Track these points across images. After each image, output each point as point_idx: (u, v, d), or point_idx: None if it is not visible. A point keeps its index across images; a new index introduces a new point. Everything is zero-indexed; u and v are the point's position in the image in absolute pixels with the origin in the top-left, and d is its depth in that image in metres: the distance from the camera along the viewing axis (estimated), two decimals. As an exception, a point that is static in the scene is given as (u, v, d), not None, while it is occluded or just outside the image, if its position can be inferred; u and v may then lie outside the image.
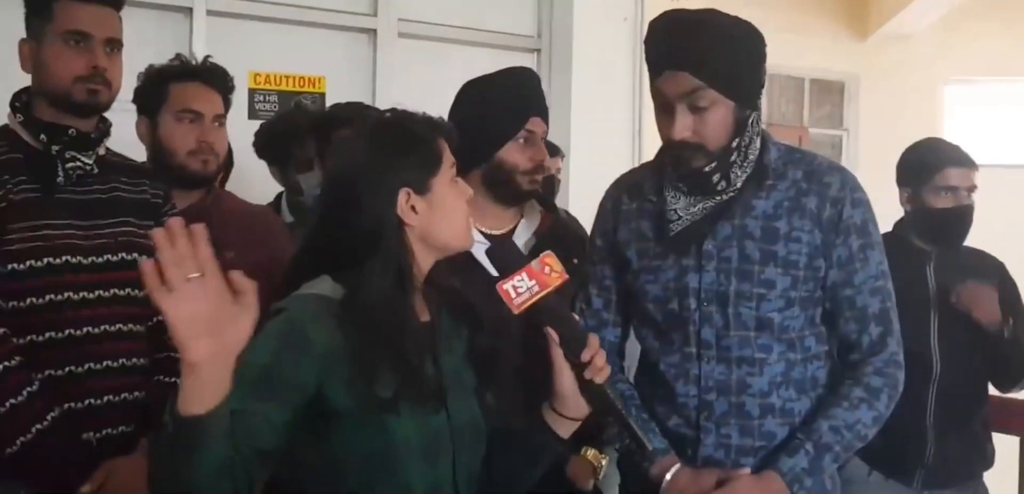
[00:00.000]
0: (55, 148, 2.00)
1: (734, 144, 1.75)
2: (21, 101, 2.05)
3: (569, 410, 1.57)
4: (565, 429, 1.59)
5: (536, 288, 1.54)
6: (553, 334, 1.54)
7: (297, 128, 2.99)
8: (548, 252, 1.59)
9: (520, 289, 1.54)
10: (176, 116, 2.36)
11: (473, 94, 2.22)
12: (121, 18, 2.11)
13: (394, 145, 1.53)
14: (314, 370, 1.42)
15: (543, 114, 2.20)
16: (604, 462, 2.26)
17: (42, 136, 2.00)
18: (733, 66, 1.71)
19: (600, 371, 1.53)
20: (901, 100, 7.81)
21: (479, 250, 2.16)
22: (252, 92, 3.96)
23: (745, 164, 1.78)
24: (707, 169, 1.76)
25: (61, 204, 2.00)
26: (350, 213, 1.50)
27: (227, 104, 2.48)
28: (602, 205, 2.04)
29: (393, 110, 1.60)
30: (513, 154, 2.15)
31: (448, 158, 1.57)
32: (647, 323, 1.90)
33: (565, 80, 4.41)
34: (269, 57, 3.98)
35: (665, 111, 1.76)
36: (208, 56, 2.48)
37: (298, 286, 1.51)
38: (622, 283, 1.94)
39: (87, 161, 2.05)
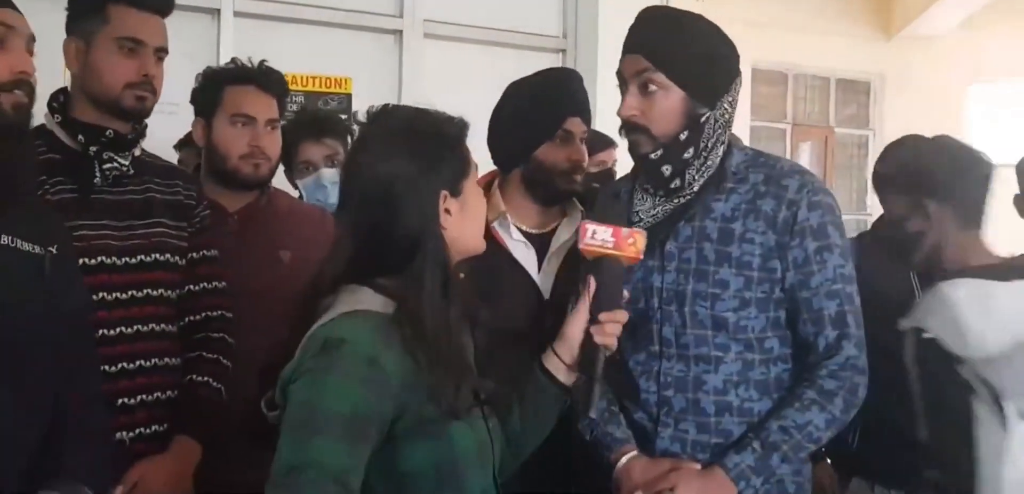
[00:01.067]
0: (93, 149, 2.02)
1: (683, 137, 1.79)
2: (59, 102, 2.07)
3: (564, 353, 1.62)
4: (563, 375, 1.63)
5: (610, 245, 1.61)
6: (592, 284, 1.62)
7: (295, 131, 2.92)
8: (642, 231, 1.66)
9: (597, 236, 1.62)
10: (230, 120, 2.39)
11: (513, 95, 2.25)
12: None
13: (431, 147, 1.48)
14: (394, 401, 1.39)
15: (582, 114, 2.22)
16: None
17: (80, 137, 2.02)
18: (685, 56, 1.78)
19: (608, 337, 1.60)
20: (926, 100, 7.76)
21: (516, 247, 2.18)
22: (280, 92, 3.98)
23: (703, 167, 1.83)
24: (654, 156, 1.81)
25: (97, 205, 2.02)
26: (392, 219, 1.45)
27: (282, 107, 2.50)
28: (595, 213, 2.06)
29: (408, 108, 1.56)
30: (550, 154, 2.17)
31: (472, 160, 1.56)
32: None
33: (590, 81, 4.35)
34: (295, 58, 3.99)
35: (623, 94, 1.84)
36: (264, 60, 2.49)
37: (334, 293, 1.47)
38: None
39: (123, 162, 2.07)
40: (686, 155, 1.81)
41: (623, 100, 1.82)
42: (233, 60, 2.51)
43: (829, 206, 1.82)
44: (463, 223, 1.51)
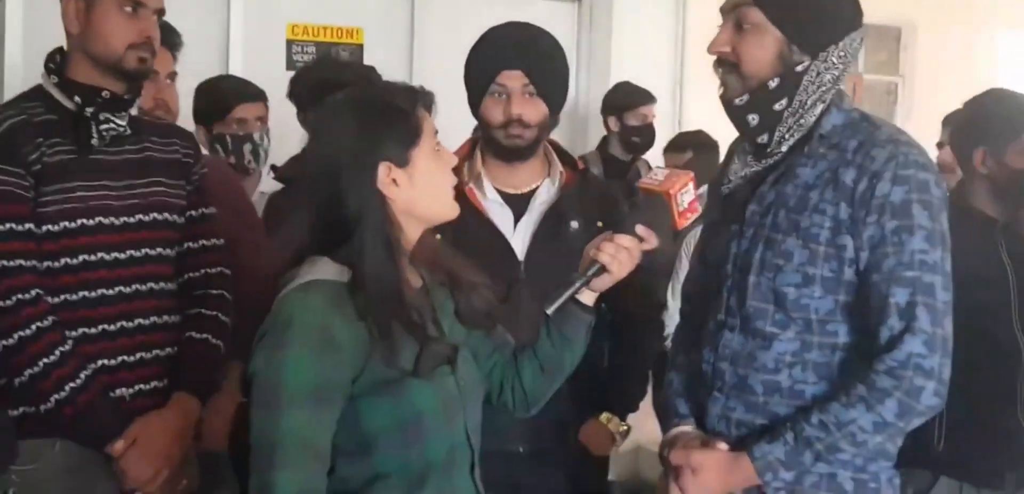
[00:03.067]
0: (90, 110, 2.03)
1: (772, 85, 1.66)
2: (55, 62, 2.08)
3: (582, 268, 1.67)
4: (585, 297, 1.67)
5: (656, 182, 1.66)
6: (637, 215, 1.66)
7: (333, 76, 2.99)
8: (691, 174, 1.67)
9: (655, 175, 1.69)
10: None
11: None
12: None
13: (373, 119, 1.53)
14: (350, 366, 1.47)
15: (522, 66, 2.13)
16: (623, 430, 2.26)
17: (76, 98, 2.03)
18: None
19: (602, 253, 1.62)
20: (958, 47, 7.58)
21: (491, 207, 2.17)
22: (290, 43, 4.00)
23: (796, 127, 1.69)
24: (739, 102, 1.69)
25: (95, 165, 2.04)
26: (333, 191, 1.51)
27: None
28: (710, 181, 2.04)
29: (371, 82, 1.60)
30: (488, 109, 2.15)
31: (429, 128, 1.57)
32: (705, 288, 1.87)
33: (605, 33, 4.38)
34: (307, 8, 3.99)
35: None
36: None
37: (299, 265, 1.53)
38: None
39: (120, 123, 2.08)
40: (777, 106, 1.67)
41: (717, 35, 1.71)
42: None
43: (920, 182, 1.61)
44: (415, 191, 1.54)
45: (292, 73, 3.29)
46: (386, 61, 3.53)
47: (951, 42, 7.55)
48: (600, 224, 2.17)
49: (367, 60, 4.08)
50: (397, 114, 1.54)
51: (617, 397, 2.27)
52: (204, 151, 2.89)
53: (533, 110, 2.14)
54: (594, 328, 2.02)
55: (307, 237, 1.56)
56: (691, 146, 3.61)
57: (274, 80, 3.00)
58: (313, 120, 1.67)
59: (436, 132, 1.59)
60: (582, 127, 4.44)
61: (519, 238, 2.18)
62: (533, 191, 2.21)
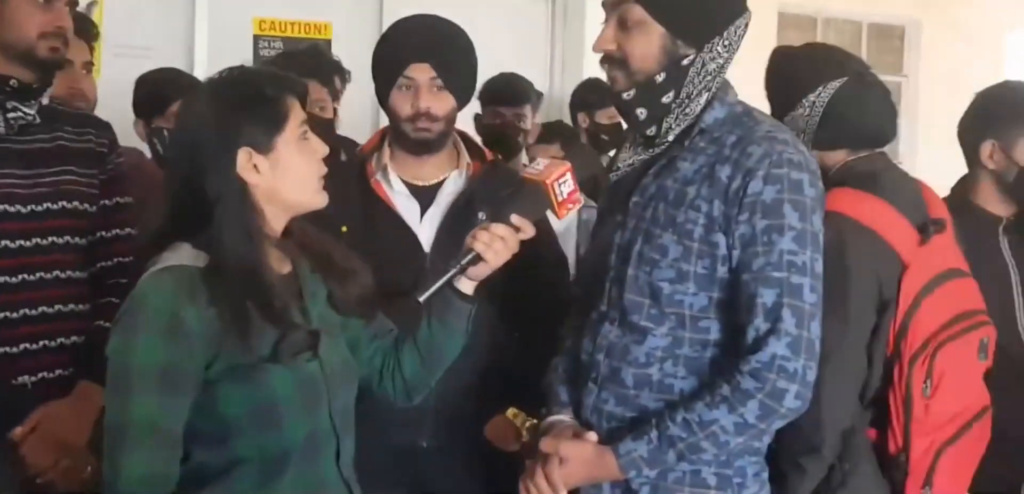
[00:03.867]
0: None
1: (659, 79, 1.67)
2: None
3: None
4: (465, 286, 1.69)
5: (535, 173, 1.68)
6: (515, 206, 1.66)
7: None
8: (568, 165, 1.67)
9: (537, 164, 1.70)
10: None
11: None
12: None
13: (235, 104, 1.52)
14: (202, 351, 1.47)
15: (429, 59, 2.11)
16: (529, 425, 2.23)
17: None
18: None
19: (477, 240, 1.64)
20: (963, 46, 7.46)
21: (397, 199, 2.16)
22: (257, 38, 4.00)
23: (682, 116, 1.70)
24: (627, 96, 1.70)
25: (2, 153, 2.05)
26: (193, 175, 1.51)
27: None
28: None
29: (239, 67, 1.60)
30: (396, 101, 2.13)
31: (296, 115, 1.56)
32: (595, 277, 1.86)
33: (578, 29, 4.34)
34: (274, 3, 4.00)
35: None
36: None
37: (163, 250, 1.53)
38: None
39: (29, 111, 2.09)
40: (665, 99, 1.68)
41: (599, 34, 1.72)
42: None
43: (794, 182, 1.60)
44: (277, 178, 1.53)
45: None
46: (355, 54, 3.51)
47: (956, 41, 7.45)
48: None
49: (336, 53, 4.09)
50: (260, 99, 1.53)
51: (523, 392, 2.23)
52: (142, 145, 2.92)
53: (441, 103, 2.13)
54: (502, 322, 2.00)
55: (167, 220, 1.56)
56: (559, 136, 3.59)
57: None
58: (180, 105, 1.67)
59: (304, 119, 1.58)
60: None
61: (425, 229, 2.17)
62: (441, 183, 2.20)
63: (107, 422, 1.47)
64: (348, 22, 4.13)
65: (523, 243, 2.13)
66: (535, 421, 2.24)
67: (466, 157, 2.23)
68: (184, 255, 1.51)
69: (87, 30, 2.56)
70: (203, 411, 1.49)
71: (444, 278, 1.64)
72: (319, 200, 1.61)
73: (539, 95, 3.48)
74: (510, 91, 3.39)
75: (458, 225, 2.12)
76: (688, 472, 1.67)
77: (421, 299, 1.63)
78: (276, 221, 1.57)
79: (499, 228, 1.63)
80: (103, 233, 2.20)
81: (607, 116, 3.89)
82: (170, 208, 1.56)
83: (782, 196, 1.59)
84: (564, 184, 1.64)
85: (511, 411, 2.22)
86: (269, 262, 1.55)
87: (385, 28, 4.04)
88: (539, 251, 2.20)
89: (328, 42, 4.10)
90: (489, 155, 2.32)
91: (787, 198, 1.59)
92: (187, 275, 1.48)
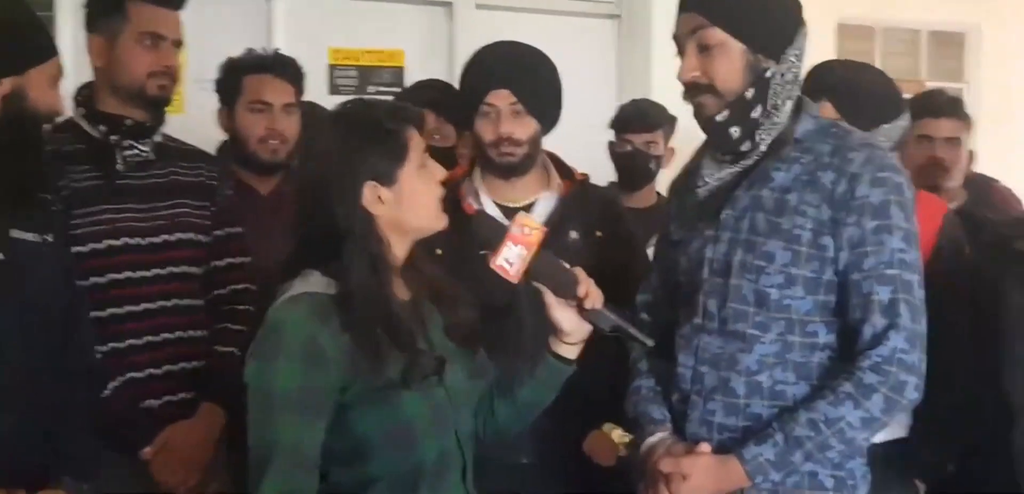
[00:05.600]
0: (114, 138, 2.16)
1: (749, 95, 1.71)
2: (83, 95, 2.22)
3: (573, 338, 1.67)
4: (571, 352, 1.68)
5: (524, 252, 1.60)
6: (545, 290, 1.63)
7: None
8: (520, 214, 1.66)
9: (512, 260, 1.61)
10: (249, 106, 2.59)
11: None
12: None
13: (359, 139, 1.56)
14: (338, 375, 1.51)
15: (508, 85, 2.16)
16: (626, 441, 2.26)
17: (101, 127, 2.17)
18: (740, 7, 1.70)
19: (594, 298, 1.61)
20: (1024, 51, 7.32)
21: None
22: (332, 68, 4.09)
23: (771, 127, 1.74)
24: (720, 118, 1.73)
25: (121, 190, 2.17)
26: (321, 209, 1.55)
27: (299, 92, 2.68)
28: (671, 184, 2.06)
29: (359, 100, 1.65)
30: (480, 128, 2.18)
31: (417, 145, 1.60)
32: (679, 296, 1.89)
33: (644, 49, 4.36)
34: (348, 33, 4.10)
35: (681, 57, 1.76)
36: (277, 48, 2.73)
37: (293, 277, 1.58)
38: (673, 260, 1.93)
39: (144, 149, 2.21)
40: (754, 113, 1.72)
41: (682, 63, 1.76)
42: (250, 50, 2.70)
43: (896, 185, 1.67)
44: (402, 209, 1.58)
45: (335, 98, 3.42)
46: (428, 82, 3.59)
47: (1017, 46, 7.34)
48: (599, 234, 2.21)
49: (408, 80, 4.17)
50: (383, 133, 1.57)
51: (619, 407, 2.26)
52: None
53: (522, 128, 2.17)
54: (598, 337, 2.03)
55: (298, 250, 1.61)
56: None
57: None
58: (305, 136, 1.74)
59: (425, 148, 1.63)
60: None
61: None
62: (532, 204, 2.23)
63: (252, 445, 1.51)
64: (420, 48, 4.21)
65: (614, 256, 2.18)
66: (631, 436, 2.29)
67: (557, 178, 2.28)
68: (315, 282, 1.55)
69: (287, 71, 2.67)
70: (339, 432, 1.53)
71: (625, 325, 1.65)
72: (440, 223, 1.65)
73: (672, 119, 3.41)
74: (639, 117, 3.36)
75: (550, 244, 2.17)
76: (806, 475, 1.69)
77: (650, 343, 1.67)
78: (399, 248, 1.62)
79: (578, 274, 1.63)
80: (216, 263, 2.31)
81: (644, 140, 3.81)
82: (300, 239, 1.61)
83: (889, 198, 1.65)
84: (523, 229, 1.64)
85: (607, 426, 2.26)
86: (394, 290, 1.61)
87: (456, 53, 4.22)
88: (629, 263, 2.26)
89: (400, 69, 4.20)
90: (578, 175, 2.35)
91: (893, 199, 1.66)
92: (320, 302, 1.52)
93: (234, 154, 2.63)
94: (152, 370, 2.15)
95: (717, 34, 1.70)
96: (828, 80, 2.27)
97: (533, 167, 2.24)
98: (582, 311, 1.63)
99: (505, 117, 2.16)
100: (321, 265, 1.58)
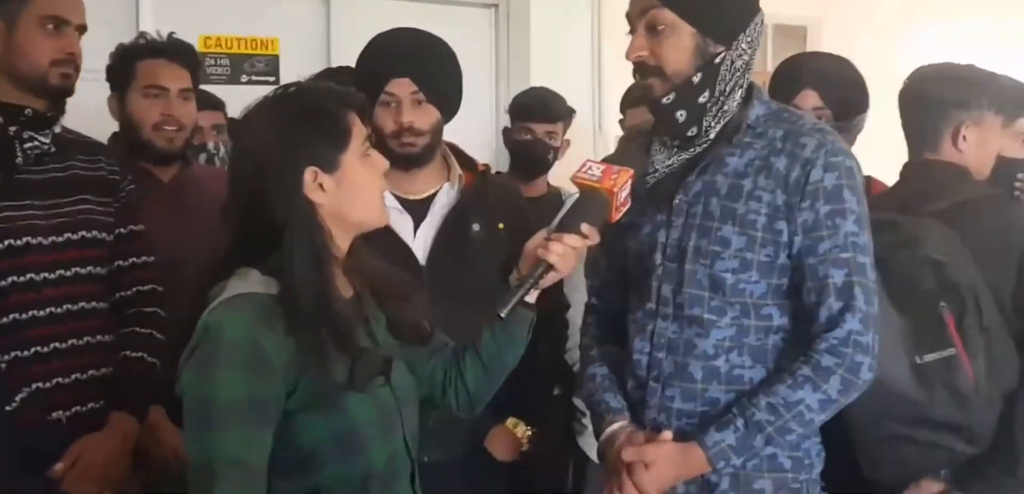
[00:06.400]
0: (12, 129, 1.99)
1: (696, 80, 1.70)
2: None
3: (523, 264, 1.65)
4: (531, 296, 1.65)
5: (594, 178, 1.64)
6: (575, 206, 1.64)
7: None
8: (629, 170, 1.65)
9: (590, 171, 1.65)
10: (143, 92, 2.44)
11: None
12: None
13: (298, 122, 1.46)
14: (283, 382, 1.41)
15: (409, 73, 2.10)
16: (528, 434, 2.26)
17: None
18: None
19: (549, 252, 1.59)
20: (864, 46, 7.79)
21: (391, 214, 2.12)
22: (202, 56, 3.89)
23: (720, 114, 1.74)
24: (666, 100, 1.72)
25: (20, 185, 2.00)
26: (257, 200, 1.45)
27: (195, 79, 2.55)
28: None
29: (298, 84, 1.54)
30: (379, 117, 2.11)
31: (359, 132, 1.51)
32: (629, 281, 1.87)
33: (524, 38, 4.41)
34: (220, 20, 3.94)
35: (632, 37, 1.75)
36: (172, 33, 2.53)
37: (227, 277, 1.47)
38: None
39: (44, 141, 2.05)
40: (701, 99, 1.71)
41: (631, 42, 1.73)
42: (142, 34, 2.55)
43: (848, 169, 1.69)
44: (343, 197, 1.49)
45: (206, 88, 3.27)
46: (303, 71, 3.49)
47: (857, 41, 7.79)
48: (501, 226, 2.18)
49: (283, 69, 4.05)
50: (324, 116, 1.48)
51: (521, 402, 2.22)
52: None
53: (424, 117, 2.12)
54: None
55: (232, 246, 1.50)
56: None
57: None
58: (234, 125, 1.62)
59: (367, 136, 1.54)
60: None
61: (420, 243, 2.14)
62: (432, 195, 2.18)
63: (191, 462, 1.39)
64: (295, 37, 4.07)
65: (516, 247, 2.16)
66: (533, 431, 2.28)
67: (457, 169, 2.23)
68: (253, 282, 1.45)
69: (182, 56, 2.53)
70: (282, 442, 1.42)
71: (522, 291, 1.62)
72: (382, 218, 1.57)
73: (571, 111, 3.41)
74: (541, 107, 3.32)
75: (453, 238, 2.15)
76: (766, 457, 1.72)
77: (503, 314, 1.61)
78: (342, 242, 1.52)
79: (571, 239, 1.60)
80: (120, 262, 2.17)
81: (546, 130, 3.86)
82: (234, 233, 1.50)
83: (841, 182, 1.67)
84: (624, 190, 1.66)
85: (511, 421, 2.25)
86: (337, 287, 1.51)
87: (332, 41, 4.12)
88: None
89: (276, 58, 4.06)
90: (480, 165, 2.32)
91: (845, 183, 1.68)
92: (261, 303, 1.42)
93: (127, 144, 2.46)
94: (60, 379, 2.00)
95: (667, 16, 1.69)
96: (805, 71, 2.35)
97: (433, 158, 2.19)
98: (535, 251, 1.63)
99: (406, 106, 2.09)
100: (258, 262, 1.46)
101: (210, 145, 3.02)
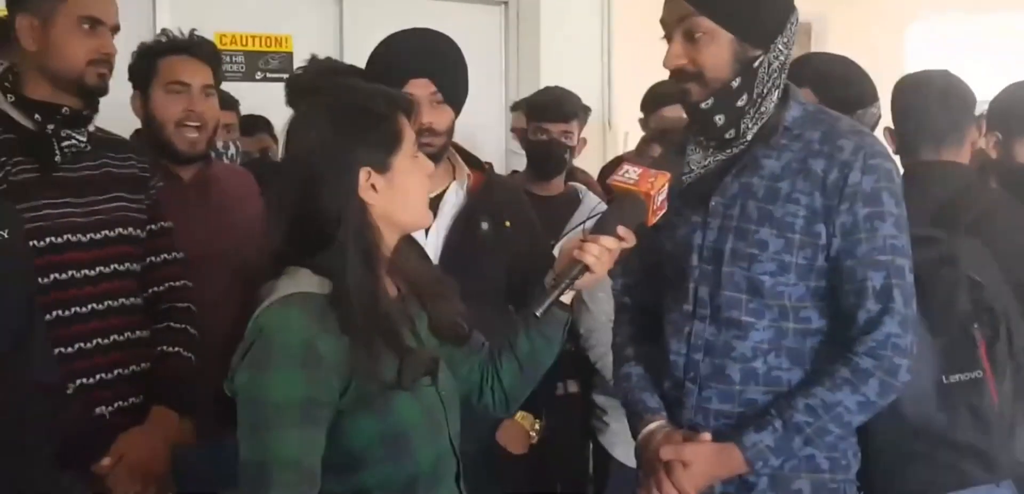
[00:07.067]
0: (51, 128, 2.01)
1: (735, 84, 1.69)
2: (8, 81, 2.05)
3: (559, 264, 1.65)
4: (566, 297, 1.65)
5: (632, 181, 1.64)
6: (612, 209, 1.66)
7: None
8: (666, 173, 1.65)
9: (627, 174, 1.65)
10: (165, 89, 2.43)
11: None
12: None
13: (355, 124, 1.48)
14: (337, 382, 1.42)
15: (428, 74, 2.11)
16: (537, 427, 2.28)
17: (37, 116, 2.00)
18: None
19: (585, 254, 1.59)
20: (869, 41, 7.81)
21: None
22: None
23: (757, 115, 1.73)
24: (705, 105, 1.71)
25: (58, 183, 2.02)
26: (312, 197, 1.46)
27: (217, 76, 2.54)
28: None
29: (345, 84, 1.55)
30: None
31: (409, 134, 1.54)
32: (663, 282, 1.86)
33: (533, 36, 4.43)
34: (234, 17, 3.96)
35: (669, 44, 1.74)
36: (194, 29, 2.52)
37: (276, 277, 1.48)
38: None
39: (81, 139, 2.07)
40: (740, 102, 1.70)
41: (669, 50, 1.72)
42: (164, 32, 2.55)
43: (887, 172, 1.68)
44: (394, 199, 1.51)
45: (221, 84, 3.27)
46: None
47: (862, 36, 7.81)
48: (508, 224, 2.20)
49: (296, 65, 4.06)
50: (377, 118, 1.50)
51: (531, 396, 2.25)
52: None
53: (441, 117, 2.13)
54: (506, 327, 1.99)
55: (282, 245, 1.50)
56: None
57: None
58: (288, 124, 1.59)
59: (416, 139, 1.57)
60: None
61: (432, 243, 2.15)
62: (441, 195, 2.18)
63: (244, 461, 1.39)
64: (308, 34, 4.11)
65: (521, 245, 2.17)
66: (542, 423, 2.30)
67: (464, 168, 2.24)
68: (304, 281, 1.46)
69: (204, 53, 2.52)
70: (332, 443, 1.43)
71: (558, 292, 1.61)
72: (427, 219, 1.59)
73: (586, 109, 3.41)
74: (557, 107, 3.30)
75: (463, 237, 2.17)
76: (803, 458, 1.72)
77: (538, 313, 1.62)
78: (390, 241, 1.54)
79: (607, 241, 1.61)
80: (153, 258, 2.19)
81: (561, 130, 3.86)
82: (285, 232, 1.49)
83: (880, 185, 1.67)
84: (661, 194, 1.67)
85: (520, 414, 2.27)
86: (385, 287, 1.52)
87: (345, 39, 4.14)
88: (533, 251, 2.26)
89: (289, 55, 4.09)
90: (486, 165, 2.33)
91: (884, 186, 1.67)
92: (315, 303, 1.43)
93: (149, 142, 2.46)
94: (103, 375, 2.01)
95: (705, 23, 1.68)
96: (806, 70, 2.34)
97: (443, 158, 2.20)
98: (571, 252, 1.63)
99: (425, 107, 2.08)
100: (307, 262, 1.47)
101: (219, 144, 3.02)
